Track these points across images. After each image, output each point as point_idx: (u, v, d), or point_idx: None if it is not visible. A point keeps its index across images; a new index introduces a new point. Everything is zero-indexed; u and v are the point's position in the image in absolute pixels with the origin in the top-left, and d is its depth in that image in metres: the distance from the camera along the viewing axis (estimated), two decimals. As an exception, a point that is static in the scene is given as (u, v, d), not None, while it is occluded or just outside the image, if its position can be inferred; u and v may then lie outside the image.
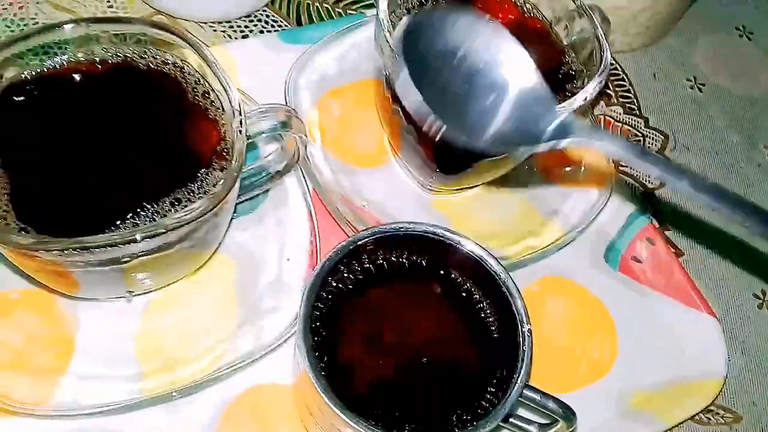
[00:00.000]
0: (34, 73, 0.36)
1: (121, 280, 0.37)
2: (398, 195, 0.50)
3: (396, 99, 0.43)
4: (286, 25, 0.57)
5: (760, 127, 0.63)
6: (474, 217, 0.50)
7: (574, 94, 0.43)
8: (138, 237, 0.32)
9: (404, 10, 0.44)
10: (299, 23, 0.57)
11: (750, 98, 0.64)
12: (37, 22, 0.53)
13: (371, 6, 0.59)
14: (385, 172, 0.50)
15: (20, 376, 0.39)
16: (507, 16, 0.47)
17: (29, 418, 0.38)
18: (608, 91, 0.60)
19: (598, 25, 0.43)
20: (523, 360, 0.35)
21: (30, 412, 0.38)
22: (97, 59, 0.37)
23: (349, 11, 0.59)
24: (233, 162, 0.34)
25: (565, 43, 0.45)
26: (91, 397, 0.39)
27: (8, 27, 0.52)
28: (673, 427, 0.46)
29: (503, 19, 0.47)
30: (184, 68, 0.38)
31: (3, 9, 0.53)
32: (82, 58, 0.37)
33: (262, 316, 0.43)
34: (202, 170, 0.35)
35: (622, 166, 0.57)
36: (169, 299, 0.42)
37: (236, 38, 0.55)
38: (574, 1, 0.44)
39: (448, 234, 0.38)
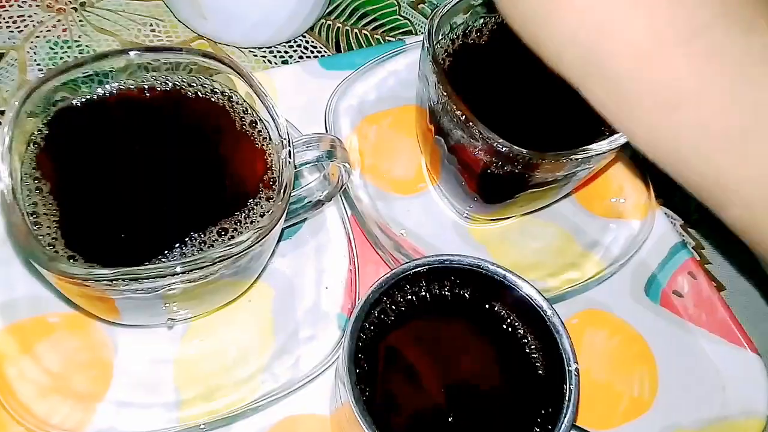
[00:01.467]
0: (84, 100, 0.36)
1: (162, 308, 0.37)
2: (436, 223, 0.49)
3: (439, 129, 0.43)
4: (325, 51, 0.57)
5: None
6: (512, 248, 0.49)
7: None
8: (185, 269, 0.31)
9: (448, 41, 0.44)
10: (338, 49, 0.58)
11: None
12: (80, 45, 0.53)
13: (410, 33, 0.59)
14: (422, 200, 0.50)
15: (58, 401, 0.39)
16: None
17: (67, 443, 0.38)
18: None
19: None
20: (569, 399, 0.34)
21: (67, 438, 0.38)
22: (146, 87, 0.37)
23: (387, 38, 0.59)
24: (281, 192, 0.34)
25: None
26: (129, 425, 0.39)
27: (52, 49, 0.53)
28: (715, 467, 0.45)
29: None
30: (232, 97, 0.38)
31: (47, 31, 0.53)
32: (131, 86, 0.37)
33: (299, 345, 0.42)
34: (250, 200, 0.35)
35: (663, 197, 0.57)
36: (209, 326, 0.42)
37: (276, 63, 0.56)
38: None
39: (493, 268, 0.37)
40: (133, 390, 0.40)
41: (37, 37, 0.53)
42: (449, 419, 0.35)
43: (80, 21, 0.54)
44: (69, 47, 0.53)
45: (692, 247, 0.55)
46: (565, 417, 0.34)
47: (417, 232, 0.48)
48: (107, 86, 0.36)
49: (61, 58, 0.53)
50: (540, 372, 0.37)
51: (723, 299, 0.50)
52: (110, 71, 0.36)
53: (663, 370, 0.47)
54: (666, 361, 0.47)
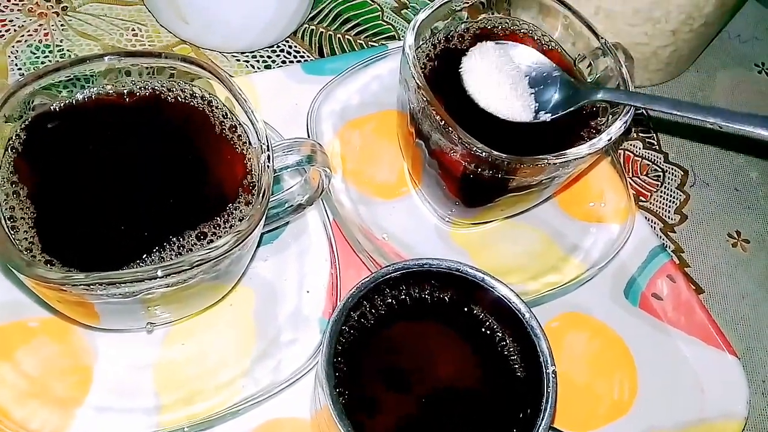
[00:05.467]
0: (63, 105, 0.36)
1: (142, 312, 0.37)
2: (418, 227, 0.50)
3: (419, 133, 0.43)
4: (308, 56, 0.57)
5: (779, 163, 0.63)
6: (493, 252, 0.49)
7: (598, 131, 0.43)
8: (164, 273, 0.31)
9: (430, 45, 0.45)
10: (321, 54, 0.58)
11: (769, 134, 0.64)
12: (62, 49, 0.53)
13: (393, 38, 0.60)
14: (404, 204, 0.50)
15: (37, 405, 0.39)
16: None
17: (46, 449, 0.38)
18: (630, 126, 0.60)
19: (623, 64, 0.43)
20: (547, 401, 0.35)
21: (47, 443, 0.38)
22: (125, 91, 0.37)
23: (370, 43, 0.59)
24: (260, 197, 0.34)
25: (589, 80, 0.45)
26: (109, 430, 0.39)
27: (33, 53, 0.53)
28: (694, 469, 0.46)
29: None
30: (212, 102, 0.38)
31: (29, 35, 0.53)
32: (110, 91, 0.37)
33: (280, 349, 0.42)
34: (229, 205, 0.35)
35: (642, 201, 0.57)
36: (189, 330, 0.42)
37: (259, 68, 0.56)
38: (598, 39, 0.44)
39: (472, 271, 0.37)
40: (113, 395, 0.40)
41: (18, 41, 0.53)
42: (429, 422, 0.35)
43: (62, 25, 0.54)
44: (50, 51, 0.53)
45: (672, 251, 0.55)
46: (543, 419, 0.34)
47: (399, 236, 0.48)
48: (86, 91, 0.36)
49: (43, 63, 0.52)
50: (518, 374, 0.37)
51: (702, 302, 0.50)
52: (90, 76, 0.36)
53: (642, 373, 0.47)
54: (645, 363, 0.48)
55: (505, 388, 0.37)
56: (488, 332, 0.38)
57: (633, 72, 0.43)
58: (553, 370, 0.35)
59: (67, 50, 0.53)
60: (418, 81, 0.40)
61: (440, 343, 0.38)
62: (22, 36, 0.53)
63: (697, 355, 0.48)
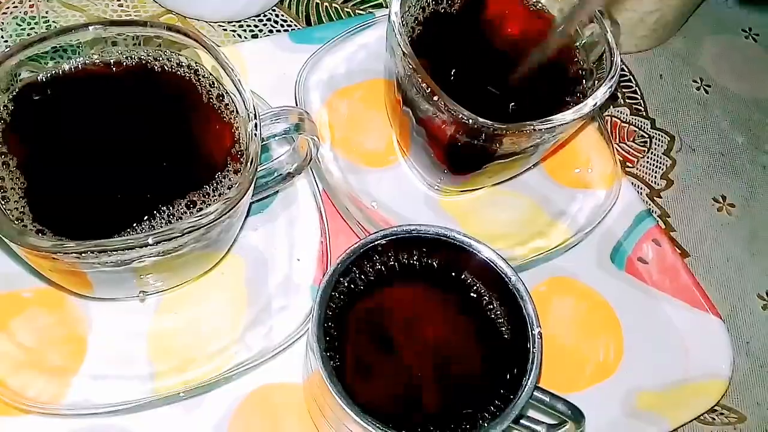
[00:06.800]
0: (50, 75, 0.36)
1: (134, 280, 0.37)
2: (406, 195, 0.50)
3: (406, 100, 0.43)
4: (295, 25, 0.57)
5: (764, 129, 0.63)
6: (482, 218, 0.50)
7: (584, 95, 0.43)
8: (154, 240, 0.32)
9: (419, 9, 0.44)
10: (308, 23, 0.58)
11: (755, 100, 0.64)
12: (47, 20, 0.53)
13: (380, 6, 0.59)
14: (393, 172, 0.51)
15: (33, 374, 0.39)
16: (515, 13, 0.47)
17: (43, 416, 0.39)
18: (615, 92, 0.61)
19: (609, 30, 0.43)
20: (533, 362, 0.35)
21: (43, 410, 0.39)
22: (112, 61, 0.37)
23: (358, 11, 0.59)
24: (248, 165, 0.34)
25: (576, 45, 0.45)
26: (104, 397, 0.39)
27: (19, 25, 0.52)
28: (678, 427, 0.47)
29: (510, 16, 0.47)
30: (198, 71, 0.38)
31: (14, 7, 0.53)
32: (97, 60, 0.37)
33: (272, 315, 0.43)
34: (217, 173, 0.35)
35: (629, 167, 0.58)
36: (181, 299, 0.43)
37: (246, 38, 0.56)
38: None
39: (459, 237, 0.38)
40: (108, 363, 0.40)
41: (4, 13, 0.53)
42: (418, 383, 0.36)
43: (47, -4, 0.54)
44: (36, 23, 0.53)
45: (657, 216, 0.56)
46: (529, 378, 0.35)
47: (388, 204, 0.49)
48: (73, 61, 0.36)
49: (29, 34, 0.52)
50: (505, 336, 0.38)
51: (687, 266, 0.51)
52: (76, 46, 0.36)
53: (628, 335, 0.48)
54: (631, 326, 0.49)
55: (492, 350, 0.37)
56: (476, 296, 0.38)
57: (619, 37, 0.43)
58: (539, 331, 0.36)
59: (53, 21, 0.53)
60: (403, 48, 0.40)
61: (429, 307, 0.39)
62: (8, 8, 0.53)
63: (682, 318, 0.49)
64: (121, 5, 0.55)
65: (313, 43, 0.52)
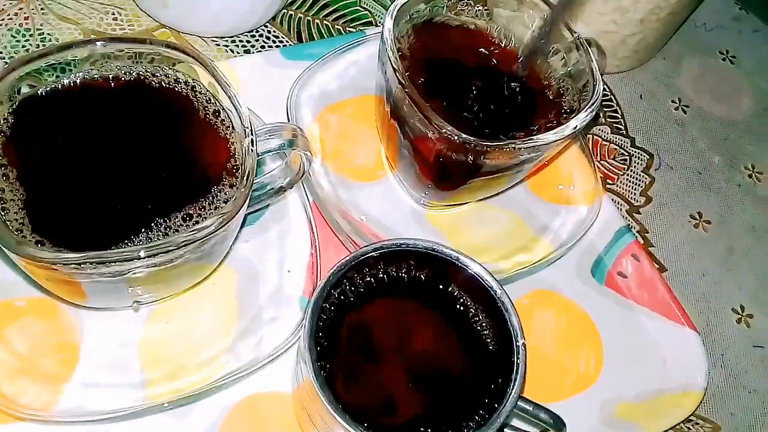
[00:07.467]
0: (49, 89, 0.37)
1: (128, 291, 0.38)
2: (395, 209, 0.51)
3: (395, 116, 0.45)
4: (287, 41, 0.58)
5: (740, 148, 0.65)
6: (467, 232, 0.51)
7: (567, 117, 0.44)
8: (151, 253, 0.33)
9: (410, 26, 0.46)
10: (300, 39, 0.59)
11: (731, 120, 0.67)
12: (42, 33, 0.54)
13: (370, 24, 0.61)
14: (382, 187, 0.52)
15: (26, 382, 0.40)
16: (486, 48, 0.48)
17: (36, 423, 0.39)
18: (597, 113, 0.62)
19: (594, 58, 0.44)
20: (517, 372, 0.37)
21: (36, 417, 0.39)
22: (111, 76, 0.38)
23: (348, 29, 0.60)
24: (244, 179, 0.35)
25: (561, 73, 0.47)
26: (96, 404, 0.40)
27: (14, 37, 0.53)
28: (655, 437, 0.48)
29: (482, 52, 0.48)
30: (195, 87, 0.39)
31: (9, 19, 0.54)
32: (96, 76, 0.38)
33: (262, 326, 0.44)
34: (214, 187, 0.36)
35: (609, 184, 0.60)
36: (173, 308, 0.44)
37: (238, 53, 0.57)
38: (572, 34, 0.46)
39: (447, 251, 0.39)
40: (100, 371, 0.41)
41: (-1, 25, 0.53)
42: (405, 393, 0.37)
43: (42, 9, 0.55)
44: (31, 35, 0.53)
45: (636, 231, 0.58)
46: (513, 388, 0.36)
47: (377, 217, 0.50)
48: (72, 75, 0.37)
49: (23, 47, 0.53)
50: (490, 348, 0.39)
51: (664, 280, 0.53)
52: (75, 61, 0.37)
53: (608, 347, 0.50)
54: (610, 338, 0.50)
55: (478, 361, 0.39)
56: (462, 308, 0.40)
57: (604, 66, 0.45)
58: (523, 342, 0.37)
59: (48, 34, 0.54)
60: (393, 64, 0.41)
61: (417, 318, 0.40)
62: (2, 20, 0.53)
63: (659, 330, 0.51)
64: (115, 19, 0.56)
65: (305, 60, 0.53)
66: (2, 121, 0.36)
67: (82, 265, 0.32)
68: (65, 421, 0.40)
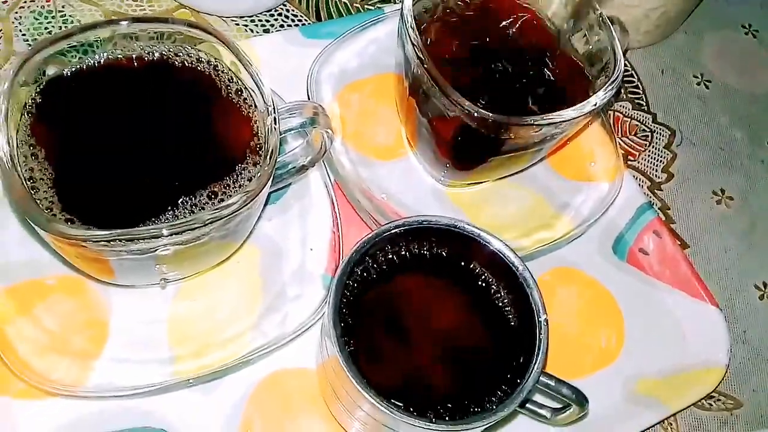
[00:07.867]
0: (75, 69, 0.37)
1: (155, 268, 0.39)
2: (415, 187, 0.51)
3: (414, 94, 0.45)
4: (305, 20, 0.58)
5: (763, 124, 0.64)
6: (488, 210, 0.51)
7: (587, 94, 0.44)
8: (178, 230, 0.33)
9: (431, 3, 0.46)
10: (318, 18, 0.59)
11: (754, 95, 0.66)
12: (64, 15, 0.54)
13: (388, 1, 0.60)
14: (402, 165, 0.52)
15: (57, 358, 0.41)
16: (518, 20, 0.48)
17: (66, 398, 0.40)
18: (618, 89, 0.62)
19: (616, 37, 0.44)
20: (539, 348, 0.37)
21: (67, 392, 0.40)
22: (134, 56, 0.38)
23: (366, 7, 0.60)
24: (267, 158, 0.36)
25: (582, 51, 0.46)
26: (126, 380, 0.41)
27: (36, 19, 0.54)
28: (677, 413, 0.48)
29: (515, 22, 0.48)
30: (217, 66, 0.39)
31: (31, 2, 0.54)
32: (120, 56, 0.38)
33: (286, 303, 0.44)
34: (238, 165, 0.37)
35: (631, 160, 0.59)
36: (199, 286, 0.44)
37: (257, 33, 0.57)
38: (594, 12, 0.45)
39: (468, 228, 0.39)
40: (129, 348, 0.42)
41: (21, 7, 0.54)
42: (429, 368, 0.38)
43: (63, -9, 0.55)
44: (53, 17, 0.54)
45: (658, 208, 0.57)
46: (535, 363, 0.37)
47: (397, 196, 0.50)
48: (96, 56, 0.38)
49: (46, 29, 0.53)
50: (513, 324, 0.39)
51: (686, 257, 0.53)
52: (100, 41, 0.38)
53: (629, 324, 0.50)
54: (632, 315, 0.50)
55: (500, 337, 0.39)
56: (484, 285, 0.40)
57: (627, 45, 0.45)
58: (545, 318, 0.38)
59: (69, 15, 0.54)
60: (413, 40, 0.41)
61: (439, 295, 0.40)
62: (25, 2, 0.54)
63: (681, 307, 0.51)
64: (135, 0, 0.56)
65: (324, 38, 0.53)
66: (30, 102, 0.36)
67: (111, 242, 0.33)
68: (96, 396, 0.40)
